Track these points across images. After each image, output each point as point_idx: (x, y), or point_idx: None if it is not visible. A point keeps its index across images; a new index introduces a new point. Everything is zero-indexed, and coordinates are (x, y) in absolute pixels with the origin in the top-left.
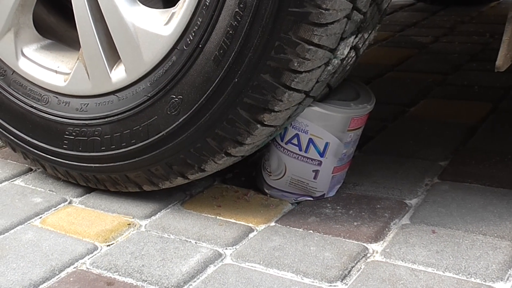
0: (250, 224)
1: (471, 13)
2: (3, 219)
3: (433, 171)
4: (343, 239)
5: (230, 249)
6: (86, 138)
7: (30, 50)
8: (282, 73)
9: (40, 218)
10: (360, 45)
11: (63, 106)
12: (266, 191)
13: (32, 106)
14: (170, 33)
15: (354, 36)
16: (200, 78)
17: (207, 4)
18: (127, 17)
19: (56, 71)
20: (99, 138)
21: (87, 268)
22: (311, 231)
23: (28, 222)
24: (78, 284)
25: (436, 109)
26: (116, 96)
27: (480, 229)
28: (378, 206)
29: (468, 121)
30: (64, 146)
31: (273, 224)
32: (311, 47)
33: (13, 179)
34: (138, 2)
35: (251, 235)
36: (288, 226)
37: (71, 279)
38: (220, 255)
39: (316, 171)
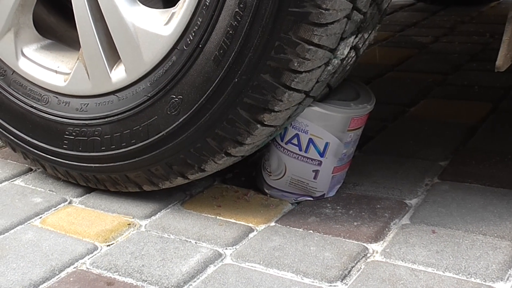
0: (250, 224)
1: (471, 13)
2: (3, 219)
3: (433, 171)
4: (343, 239)
5: (230, 249)
6: (86, 138)
7: (30, 50)
8: (282, 73)
9: (40, 218)
10: (360, 45)
11: (63, 106)
12: (266, 191)
13: (32, 106)
14: (170, 33)
15: (354, 36)
16: (200, 78)
17: (207, 4)
18: (127, 17)
19: (56, 71)
20: (99, 138)
21: (87, 268)
22: (311, 231)
23: (28, 222)
24: (78, 284)
25: (436, 109)
26: (116, 96)
27: (480, 229)
28: (378, 206)
29: (468, 121)
30: (64, 146)
31: (273, 224)
32: (311, 47)
33: (13, 179)
34: (138, 2)
35: (251, 235)
36: (288, 226)
37: (71, 279)
38: (220, 255)
39: (316, 171)
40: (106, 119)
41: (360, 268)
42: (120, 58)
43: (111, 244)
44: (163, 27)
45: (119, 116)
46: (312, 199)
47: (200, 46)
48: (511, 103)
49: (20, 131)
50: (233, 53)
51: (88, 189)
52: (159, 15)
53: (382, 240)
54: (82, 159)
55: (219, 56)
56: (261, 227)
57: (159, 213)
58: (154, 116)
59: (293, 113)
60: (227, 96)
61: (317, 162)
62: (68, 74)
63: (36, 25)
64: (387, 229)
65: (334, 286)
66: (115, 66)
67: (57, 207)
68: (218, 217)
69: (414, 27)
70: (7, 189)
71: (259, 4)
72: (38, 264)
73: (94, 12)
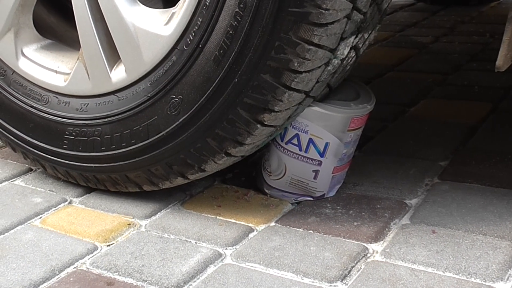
0: (250, 224)
1: (471, 13)
2: (3, 219)
3: (433, 171)
4: (343, 239)
5: (230, 249)
6: (86, 138)
7: (30, 50)
8: (282, 73)
9: (40, 218)
10: (360, 45)
11: (63, 106)
12: (266, 191)
13: (32, 106)
14: (170, 33)
15: (354, 36)
16: (200, 78)
17: (207, 4)
18: (127, 17)
19: (56, 71)
20: (99, 138)
21: (87, 268)
22: (311, 231)
23: (28, 222)
24: (78, 284)
25: (436, 109)
26: (116, 96)
27: (480, 229)
28: (378, 206)
29: (468, 121)
30: (64, 146)
31: (273, 224)
32: (311, 47)
33: (13, 179)
34: (138, 2)
35: (251, 235)
36: (288, 226)
37: (71, 279)
38: (220, 255)
39: (316, 171)
40: (106, 119)
41: (360, 268)
42: (120, 58)
43: (111, 244)
44: (163, 27)
45: (119, 116)
46: (312, 199)
47: (200, 46)
48: (511, 103)
49: (20, 131)
50: (233, 53)
51: (88, 189)
52: (159, 15)
53: (382, 240)
54: (82, 159)
55: (219, 56)
56: (261, 227)
57: (159, 213)
58: (154, 116)
59: (293, 113)
60: (227, 96)
61: (317, 162)
62: (68, 74)
63: (36, 25)
64: (387, 229)
65: (334, 286)
66: (115, 66)
67: (57, 207)
68: (218, 217)
69: (414, 27)
70: (7, 189)
71: (259, 4)
72: (38, 264)
73: (94, 12)
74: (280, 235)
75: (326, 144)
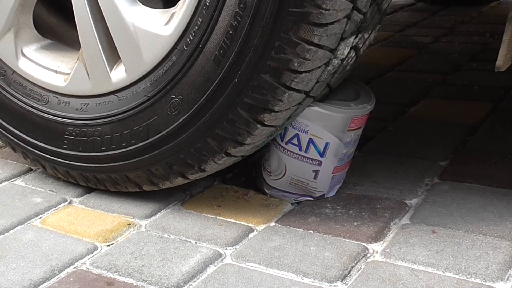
0: (250, 224)
1: (471, 13)
2: (3, 219)
3: (433, 171)
4: (343, 239)
5: (230, 249)
6: (86, 138)
7: (30, 50)
8: (282, 73)
9: (40, 218)
10: (360, 45)
11: (63, 106)
12: (266, 191)
13: (32, 106)
14: (170, 33)
15: (354, 36)
16: (200, 78)
17: (207, 4)
18: (127, 17)
19: (56, 71)
20: (99, 138)
21: (87, 268)
22: (311, 231)
23: (28, 222)
24: (78, 284)
25: (436, 109)
26: (116, 96)
27: (480, 229)
28: (378, 206)
29: (468, 121)
30: (64, 146)
31: (273, 224)
32: (311, 47)
33: (13, 179)
34: (138, 2)
35: (251, 235)
36: (288, 226)
37: (71, 279)
38: (220, 255)
39: (316, 171)
40: (106, 119)
41: (360, 268)
42: (120, 58)
43: (111, 244)
44: (163, 27)
45: (119, 116)
46: (312, 199)
47: (200, 46)
48: (511, 103)
49: (20, 131)
50: (233, 53)
51: (88, 189)
52: (159, 15)
53: (382, 240)
54: (82, 159)
55: (219, 56)
56: (261, 227)
57: (159, 213)
58: (154, 116)
59: (293, 113)
60: (227, 96)
61: (317, 162)
62: (68, 74)
63: (36, 25)
64: (387, 229)
65: (334, 286)
66: (115, 66)
67: (57, 207)
68: (218, 217)
69: (414, 27)
70: (7, 189)
71: (259, 4)
72: (38, 264)
73: (94, 12)
74: (280, 235)
75: (326, 144)
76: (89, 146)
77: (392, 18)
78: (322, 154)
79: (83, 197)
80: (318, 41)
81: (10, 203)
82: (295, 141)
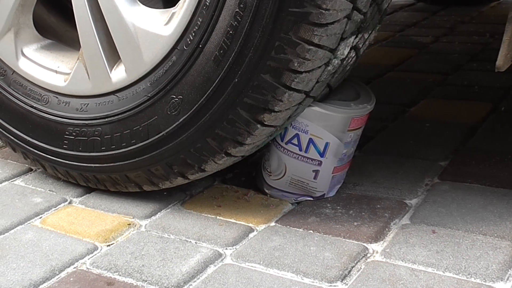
0: (250, 224)
1: (471, 13)
2: (3, 219)
3: (433, 171)
4: (343, 239)
5: (230, 249)
6: (86, 138)
7: (30, 50)
8: (282, 73)
9: (40, 218)
10: (360, 45)
11: (63, 106)
12: (266, 191)
13: (32, 106)
14: (170, 33)
15: (354, 36)
16: (200, 78)
17: (207, 4)
18: (127, 17)
19: (56, 71)
20: (99, 138)
21: (87, 268)
22: (311, 231)
23: (28, 222)
24: (78, 284)
25: (436, 109)
26: (116, 96)
27: (480, 229)
28: (378, 206)
29: (468, 121)
30: (64, 146)
31: (273, 224)
32: (311, 47)
33: (13, 179)
34: (138, 2)
35: (251, 235)
36: (288, 226)
37: (71, 279)
38: (220, 255)
39: (316, 171)
40: (106, 119)
41: (360, 268)
42: (120, 58)
43: (111, 244)
44: (163, 27)
45: (119, 116)
46: (312, 199)
47: (200, 46)
48: (511, 103)
49: (20, 131)
50: (233, 53)
51: (88, 189)
52: (159, 15)
53: (382, 240)
54: (82, 159)
55: (219, 56)
56: (261, 227)
57: (159, 213)
58: (154, 116)
59: (293, 113)
60: (227, 96)
61: (317, 162)
62: (68, 74)
63: (36, 25)
64: (387, 229)
65: (334, 286)
66: (115, 66)
67: (57, 207)
68: (218, 217)
69: (414, 27)
70: (7, 189)
71: (259, 4)
72: (38, 264)
73: (94, 12)
74: (280, 235)
75: (326, 144)
76: (89, 146)
77: (392, 18)
78: (322, 154)
79: (83, 197)
80: (318, 41)
81: (10, 203)
82: (295, 141)
